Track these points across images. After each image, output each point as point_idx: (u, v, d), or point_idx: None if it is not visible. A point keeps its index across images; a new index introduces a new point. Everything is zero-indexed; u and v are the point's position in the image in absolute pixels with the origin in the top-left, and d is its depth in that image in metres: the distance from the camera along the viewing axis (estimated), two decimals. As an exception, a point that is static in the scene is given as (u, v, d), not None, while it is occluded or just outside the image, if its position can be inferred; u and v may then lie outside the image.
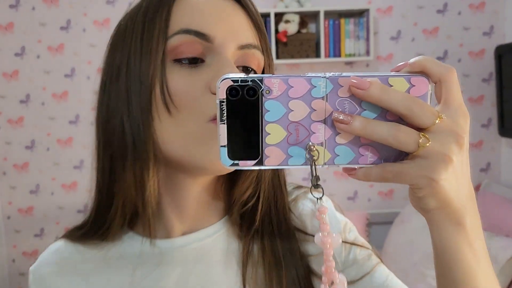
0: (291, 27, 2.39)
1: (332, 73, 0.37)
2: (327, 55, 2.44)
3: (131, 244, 0.56)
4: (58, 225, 2.67)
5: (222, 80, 0.36)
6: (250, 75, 0.37)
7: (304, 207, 0.59)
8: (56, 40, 2.54)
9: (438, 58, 2.59)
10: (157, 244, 0.54)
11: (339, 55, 2.45)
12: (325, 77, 0.37)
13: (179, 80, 0.47)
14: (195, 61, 0.48)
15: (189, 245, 0.55)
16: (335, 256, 0.55)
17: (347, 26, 2.43)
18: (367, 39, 2.44)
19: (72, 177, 2.64)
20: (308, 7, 2.41)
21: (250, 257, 0.54)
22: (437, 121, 0.37)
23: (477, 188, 2.61)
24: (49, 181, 2.65)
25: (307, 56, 2.44)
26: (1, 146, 2.62)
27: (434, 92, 0.39)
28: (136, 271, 0.54)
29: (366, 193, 2.70)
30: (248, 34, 0.50)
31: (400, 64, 0.40)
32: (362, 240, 0.59)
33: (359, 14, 2.49)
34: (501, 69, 2.35)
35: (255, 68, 0.52)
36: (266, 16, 2.39)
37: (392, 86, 0.37)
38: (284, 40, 2.39)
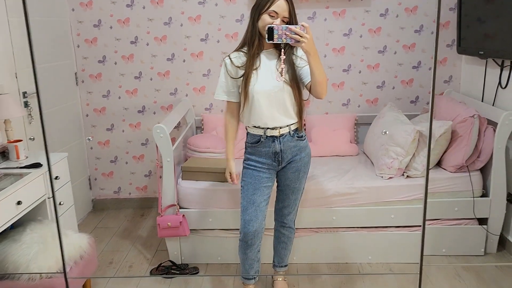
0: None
1: (287, 25, 1.89)
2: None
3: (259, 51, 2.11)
4: (124, 121, 3.57)
5: (269, 26, 1.89)
6: (273, 25, 1.90)
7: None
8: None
9: (418, -7, 3.27)
10: (262, 51, 2.09)
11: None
12: (287, 26, 1.87)
13: (267, 19, 1.97)
14: (273, 17, 1.97)
15: (266, 51, 2.10)
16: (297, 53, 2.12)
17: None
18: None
19: (134, 85, 3.50)
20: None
21: (280, 60, 2.05)
22: (305, 35, 1.86)
23: (441, 93, 3.38)
24: (116, 88, 3.51)
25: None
26: (80, 60, 3.46)
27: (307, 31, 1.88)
28: (262, 58, 2.10)
29: (356, 100, 3.50)
30: (286, 11, 1.97)
31: (302, 23, 1.86)
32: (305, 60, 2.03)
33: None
34: (461, 1, 3.02)
35: (287, 20, 1.99)
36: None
37: (296, 27, 1.86)
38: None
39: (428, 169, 1.30)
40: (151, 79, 3.47)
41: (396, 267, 2.73)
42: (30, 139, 2.72)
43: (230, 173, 2.30)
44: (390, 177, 2.76)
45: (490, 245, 2.79)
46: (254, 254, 2.27)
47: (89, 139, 3.55)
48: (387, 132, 2.75)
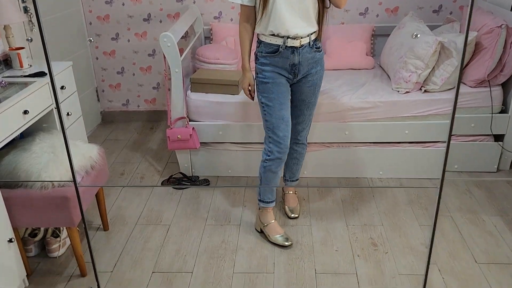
0: None
1: None
2: None
3: None
4: (129, 30, 3.41)
5: None
6: None
7: None
8: None
9: None
10: None
11: None
12: None
13: None
14: None
15: None
16: None
17: None
18: None
19: (137, -9, 3.29)
20: None
21: None
22: None
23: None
24: (119, -7, 3.31)
25: None
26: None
27: None
28: None
29: (375, 9, 3.28)
30: None
31: None
32: None
33: None
34: None
35: None
36: None
37: None
38: None
39: (460, 78, 1.20)
40: (156, -16, 3.25)
41: (407, 182, 2.73)
42: (27, 40, 2.60)
43: (249, 84, 2.14)
44: (407, 92, 2.65)
45: (504, 162, 2.75)
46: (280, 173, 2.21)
47: (90, 40, 3.40)
48: (418, 36, 2.58)
